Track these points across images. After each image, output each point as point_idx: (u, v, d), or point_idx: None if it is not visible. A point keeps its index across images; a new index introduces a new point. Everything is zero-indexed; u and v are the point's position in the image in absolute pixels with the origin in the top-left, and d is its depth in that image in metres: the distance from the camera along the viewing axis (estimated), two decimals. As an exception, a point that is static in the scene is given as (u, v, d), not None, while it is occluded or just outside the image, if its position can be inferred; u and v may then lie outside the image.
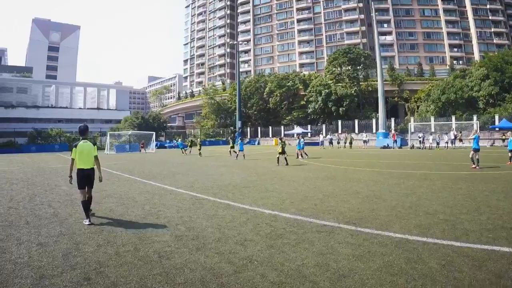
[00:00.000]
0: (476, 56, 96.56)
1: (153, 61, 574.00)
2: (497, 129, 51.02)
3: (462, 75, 66.19)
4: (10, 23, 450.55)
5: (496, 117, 54.10)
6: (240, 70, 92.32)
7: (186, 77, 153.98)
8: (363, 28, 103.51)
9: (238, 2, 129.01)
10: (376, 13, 65.71)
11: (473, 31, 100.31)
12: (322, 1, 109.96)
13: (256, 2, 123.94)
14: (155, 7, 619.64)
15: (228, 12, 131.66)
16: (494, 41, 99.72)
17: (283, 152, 22.77)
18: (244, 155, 30.37)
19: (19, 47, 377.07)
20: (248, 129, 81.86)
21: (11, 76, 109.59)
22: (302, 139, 30.46)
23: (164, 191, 12.69)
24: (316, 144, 59.75)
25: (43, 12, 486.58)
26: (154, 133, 53.08)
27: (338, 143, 51.91)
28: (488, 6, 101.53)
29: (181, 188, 13.27)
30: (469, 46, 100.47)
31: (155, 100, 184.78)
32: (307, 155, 29.09)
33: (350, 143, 49.75)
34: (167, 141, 69.11)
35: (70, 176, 8.70)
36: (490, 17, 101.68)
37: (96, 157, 8.64)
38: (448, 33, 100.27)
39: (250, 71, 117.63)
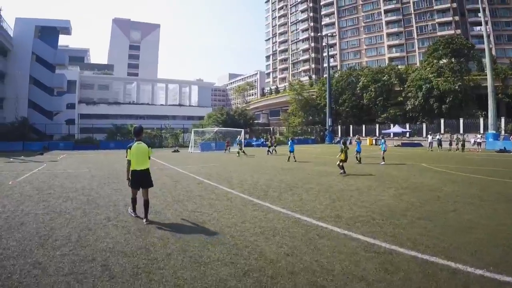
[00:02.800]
0: None
1: (234, 58, 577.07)
2: None
3: None
4: (92, 24, 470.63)
5: None
6: (326, 64, 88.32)
7: (268, 73, 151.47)
8: (456, 18, 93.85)
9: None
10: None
11: None
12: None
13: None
14: (234, 4, 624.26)
15: (311, 5, 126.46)
16: None
17: (345, 160, 18.52)
18: (294, 157, 27.06)
19: (101, 47, 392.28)
20: (339, 127, 75.87)
21: (92, 74, 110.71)
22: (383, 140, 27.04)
23: (303, 228, 7.87)
24: (416, 145, 55.28)
25: (124, 12, 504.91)
26: (242, 130, 49.41)
27: (450, 144, 45.06)
28: None
29: (325, 220, 8.62)
30: None
31: (237, 97, 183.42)
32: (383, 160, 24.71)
33: (463, 145, 42.83)
34: (254, 138, 65.67)
35: (129, 179, 8.59)
36: None
37: (150, 158, 8.76)
38: None
39: (336, 66, 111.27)
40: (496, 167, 22.26)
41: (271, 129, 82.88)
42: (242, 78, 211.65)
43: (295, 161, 26.15)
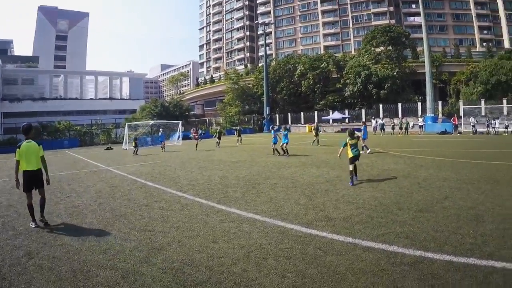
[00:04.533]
0: (506, 38, 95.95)
1: (166, 48, 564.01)
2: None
3: (508, 56, 63.93)
4: (16, 13, 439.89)
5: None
6: (261, 53, 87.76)
7: (202, 63, 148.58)
8: (391, 8, 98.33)
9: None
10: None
11: (502, 13, 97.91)
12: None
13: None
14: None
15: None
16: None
17: (355, 158, 11.79)
18: (284, 149, 21.59)
19: (26, 38, 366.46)
20: (277, 116, 74.95)
21: (15, 67, 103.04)
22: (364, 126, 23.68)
23: (296, 242, 6.10)
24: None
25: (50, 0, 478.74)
26: (180, 122, 46.93)
27: (393, 128, 45.90)
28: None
29: (316, 226, 7.02)
30: (498, 28, 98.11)
31: (170, 88, 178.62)
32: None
33: (406, 128, 43.84)
34: (191, 130, 63.15)
35: (17, 180, 8.07)
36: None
37: (42, 158, 8.30)
38: (477, 15, 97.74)
39: (271, 54, 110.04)
40: (450, 149, 22.79)
41: (207, 120, 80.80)
42: (175, 69, 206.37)
43: (284, 154, 21.53)
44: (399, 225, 6.78)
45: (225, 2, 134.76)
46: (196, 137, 34.16)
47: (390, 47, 68.41)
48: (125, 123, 48.28)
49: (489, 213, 7.43)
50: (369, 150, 21.20)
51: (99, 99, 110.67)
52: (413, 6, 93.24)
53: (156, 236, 6.77)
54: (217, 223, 7.54)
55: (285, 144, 21.37)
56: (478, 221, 6.87)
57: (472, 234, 6.11)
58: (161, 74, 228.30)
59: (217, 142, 33.94)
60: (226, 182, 12.93)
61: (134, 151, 29.42)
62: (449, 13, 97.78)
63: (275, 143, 22.18)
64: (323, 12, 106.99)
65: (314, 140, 28.75)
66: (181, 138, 43.81)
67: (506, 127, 41.43)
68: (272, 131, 23.16)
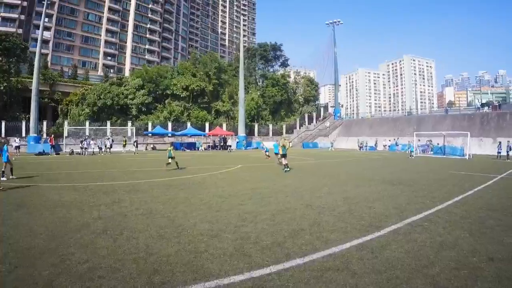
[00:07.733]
0: (127, 67, 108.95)
1: None
2: (150, 134, 59.98)
3: (119, 82, 71.34)
4: None
5: (150, 123, 62.28)
6: None
7: None
8: (22, 16, 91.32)
9: None
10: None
11: (129, 44, 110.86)
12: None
13: None
14: None
15: None
16: (146, 57, 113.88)
17: None
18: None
19: None
20: None
21: None
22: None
23: None
24: None
25: None
26: None
27: None
28: (148, 26, 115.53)
29: None
30: (122, 56, 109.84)
31: None
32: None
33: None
34: None
35: None
36: (147, 36, 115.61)
37: None
38: (106, 42, 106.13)
39: None
40: (27, 171, 21.64)
41: None
42: None
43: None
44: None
45: None
46: None
47: (1, 58, 63.32)
48: None
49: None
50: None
51: None
52: (47, 19, 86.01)
53: None
54: None
55: None
56: None
57: None
58: None
59: None
60: None
61: None
62: (79, 34, 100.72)
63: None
64: None
65: None
66: None
67: (100, 148, 45.89)
68: None
